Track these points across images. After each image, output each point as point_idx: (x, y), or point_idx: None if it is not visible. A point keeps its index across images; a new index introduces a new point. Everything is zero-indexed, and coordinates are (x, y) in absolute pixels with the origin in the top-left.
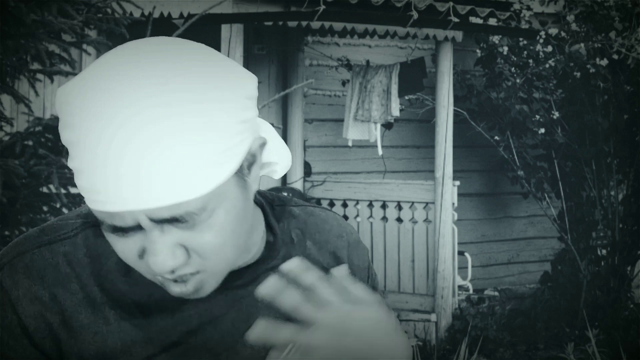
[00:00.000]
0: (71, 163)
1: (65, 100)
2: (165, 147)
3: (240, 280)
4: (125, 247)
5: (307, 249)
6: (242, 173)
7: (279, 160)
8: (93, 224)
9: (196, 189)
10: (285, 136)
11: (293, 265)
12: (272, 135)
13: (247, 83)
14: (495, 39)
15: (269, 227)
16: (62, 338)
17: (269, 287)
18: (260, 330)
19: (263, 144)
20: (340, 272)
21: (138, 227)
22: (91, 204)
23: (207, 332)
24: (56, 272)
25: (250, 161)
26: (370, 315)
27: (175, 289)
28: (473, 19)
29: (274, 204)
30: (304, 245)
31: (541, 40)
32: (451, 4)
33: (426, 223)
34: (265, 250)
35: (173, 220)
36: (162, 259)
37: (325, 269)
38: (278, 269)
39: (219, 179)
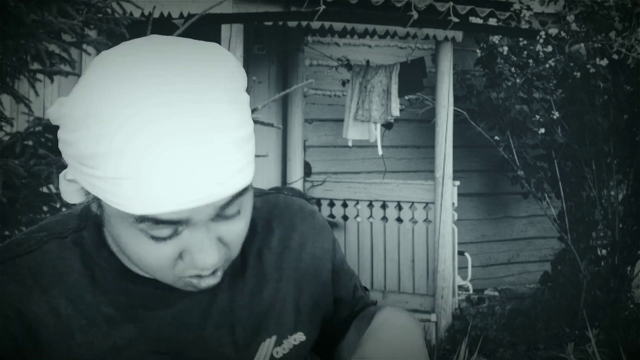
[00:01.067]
0: (99, 171)
1: (84, 110)
2: (222, 145)
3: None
4: (161, 251)
5: (272, 237)
6: None
7: None
8: (56, 236)
9: (243, 179)
10: (285, 136)
11: None
12: None
13: (246, 80)
14: (495, 39)
15: None
16: (28, 353)
17: None
18: None
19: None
20: None
21: (182, 225)
22: (139, 209)
23: (178, 338)
24: (20, 286)
25: None
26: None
27: (204, 283)
28: (473, 19)
29: None
30: (270, 234)
31: (541, 40)
32: (451, 4)
33: (426, 223)
34: None
35: (230, 205)
36: (210, 255)
37: (293, 253)
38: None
39: (253, 167)
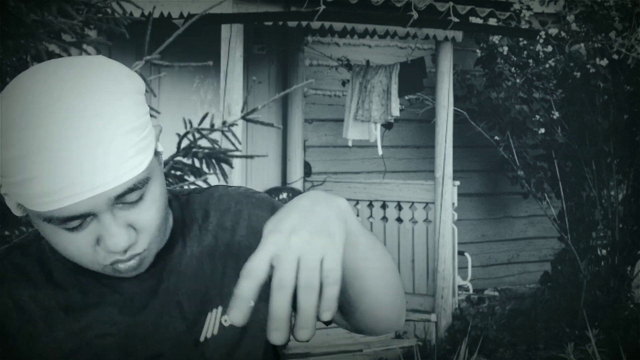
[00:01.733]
0: (10, 179)
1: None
2: (108, 138)
3: (154, 267)
4: (78, 241)
5: (209, 222)
6: (156, 153)
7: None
8: (19, 246)
9: (139, 165)
10: (285, 136)
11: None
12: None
13: (137, 81)
14: (495, 39)
15: (174, 217)
16: None
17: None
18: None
19: (160, 132)
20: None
21: (89, 216)
22: (45, 206)
23: (128, 319)
24: None
25: (157, 145)
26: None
27: (125, 267)
28: (473, 19)
29: (180, 196)
30: (208, 221)
31: (541, 40)
32: (451, 4)
33: (426, 223)
34: (171, 237)
35: (127, 193)
36: (118, 239)
37: (228, 230)
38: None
39: (149, 156)
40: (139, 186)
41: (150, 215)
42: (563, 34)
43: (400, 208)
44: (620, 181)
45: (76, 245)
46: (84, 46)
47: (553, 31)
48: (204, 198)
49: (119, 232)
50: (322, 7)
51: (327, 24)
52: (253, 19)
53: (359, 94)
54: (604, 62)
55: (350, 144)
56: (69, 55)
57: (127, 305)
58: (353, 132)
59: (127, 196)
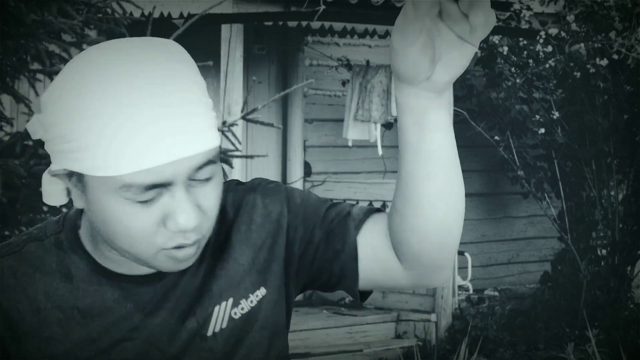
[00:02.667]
0: (87, 141)
1: (65, 100)
2: (194, 103)
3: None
4: (147, 217)
5: (226, 219)
6: None
7: None
8: (35, 238)
9: (212, 138)
10: (285, 136)
11: None
12: None
13: (195, 66)
14: (495, 39)
15: None
16: (7, 343)
17: None
18: None
19: None
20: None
21: (166, 186)
22: (130, 166)
23: (145, 324)
24: (2, 284)
25: None
26: None
27: (183, 254)
28: None
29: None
30: (225, 217)
31: (541, 40)
32: None
33: None
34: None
35: (206, 165)
36: (191, 216)
37: (243, 221)
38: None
39: (218, 135)
40: (215, 160)
41: (215, 197)
42: (563, 34)
43: None
44: (620, 181)
45: (143, 222)
46: (84, 46)
47: (553, 31)
48: (232, 195)
49: (192, 209)
50: (322, 7)
51: (327, 24)
52: (253, 19)
53: (359, 94)
54: (604, 62)
55: (350, 144)
56: (69, 55)
57: (143, 312)
58: (353, 132)
59: (204, 169)
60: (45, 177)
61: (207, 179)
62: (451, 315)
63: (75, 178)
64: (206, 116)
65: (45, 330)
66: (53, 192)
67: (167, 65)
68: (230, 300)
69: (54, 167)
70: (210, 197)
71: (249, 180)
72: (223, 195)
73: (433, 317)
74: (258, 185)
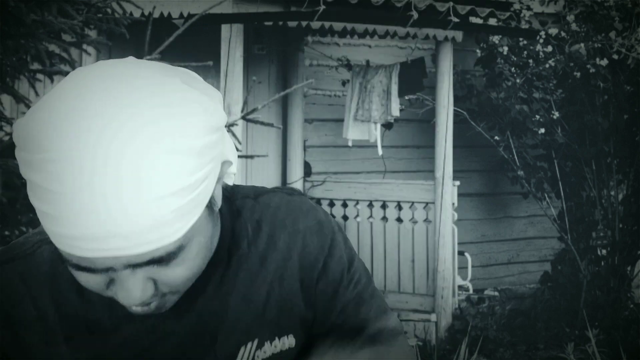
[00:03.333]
0: (39, 205)
1: (34, 140)
2: (143, 199)
3: (192, 288)
4: (91, 280)
5: (260, 239)
6: (210, 203)
7: (235, 169)
8: (49, 241)
9: (176, 232)
10: (285, 136)
11: None
12: (230, 144)
13: (209, 103)
14: (495, 39)
15: (223, 226)
16: (12, 356)
17: None
18: None
19: (229, 166)
20: None
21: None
22: (63, 247)
23: (160, 349)
24: (11, 291)
25: (217, 187)
26: None
27: (138, 310)
28: (473, 19)
29: (232, 199)
30: (259, 236)
31: (541, 40)
32: (451, 4)
33: (426, 223)
34: (216, 253)
35: (150, 264)
36: (132, 294)
37: (280, 254)
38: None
39: (194, 218)
40: (164, 258)
41: (177, 273)
42: (563, 34)
43: (400, 208)
44: (620, 181)
45: (92, 283)
46: (84, 46)
47: (553, 31)
48: (258, 207)
49: (135, 287)
50: (322, 7)
51: (327, 24)
52: (253, 19)
53: (359, 94)
54: (604, 62)
55: (350, 144)
56: (69, 55)
57: (158, 332)
58: (353, 132)
59: (155, 259)
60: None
61: (165, 262)
62: (451, 315)
63: None
64: (166, 209)
65: (53, 345)
66: None
67: (130, 142)
68: (256, 342)
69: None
70: (171, 275)
71: (292, 192)
72: (260, 209)
73: (433, 317)
74: (305, 214)
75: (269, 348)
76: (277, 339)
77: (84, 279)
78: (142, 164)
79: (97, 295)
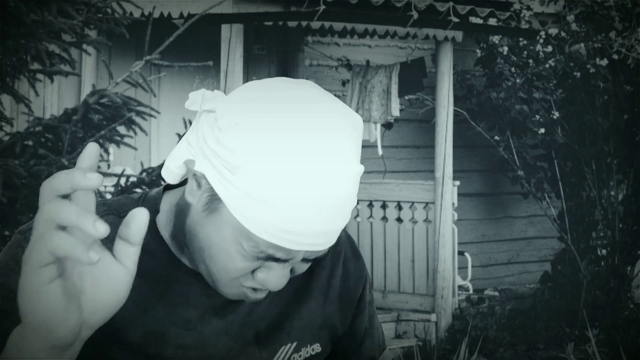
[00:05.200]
0: (256, 194)
1: (269, 136)
2: (343, 206)
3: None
4: (245, 263)
5: (324, 261)
6: None
7: None
8: (115, 212)
9: (339, 233)
10: None
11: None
12: None
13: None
14: (495, 39)
15: None
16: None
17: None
18: None
19: None
20: None
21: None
22: (270, 237)
23: (205, 330)
24: None
25: None
26: None
27: (255, 296)
28: (473, 19)
29: None
30: (323, 259)
31: (541, 40)
32: (451, 4)
33: (426, 223)
34: None
35: (313, 258)
36: (280, 281)
37: (336, 280)
38: None
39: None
40: (322, 256)
41: (304, 269)
42: (563, 34)
43: (400, 208)
44: (620, 181)
45: (242, 264)
46: (84, 46)
47: (553, 31)
48: None
49: (284, 277)
50: (322, 7)
51: (327, 24)
52: (253, 19)
53: (359, 94)
54: (604, 62)
55: None
56: (69, 55)
57: (208, 316)
58: None
59: (312, 258)
60: (175, 159)
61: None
62: (451, 315)
63: (209, 189)
64: (347, 215)
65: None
66: (174, 171)
67: (351, 153)
68: (294, 344)
69: (196, 166)
70: (303, 268)
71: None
72: None
73: (433, 317)
74: (347, 237)
75: (304, 352)
76: (309, 345)
77: (239, 261)
78: (353, 182)
79: (157, 272)
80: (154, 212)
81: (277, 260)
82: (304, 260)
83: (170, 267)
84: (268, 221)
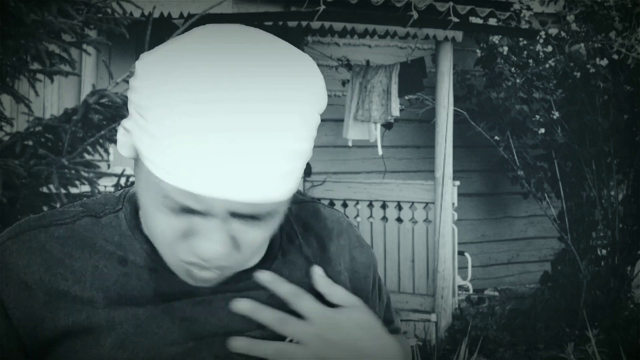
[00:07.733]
0: (155, 128)
1: (159, 69)
2: (272, 146)
3: (243, 282)
4: (170, 225)
5: (311, 238)
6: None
7: None
8: (91, 214)
9: (284, 192)
10: None
11: (266, 278)
12: None
13: (318, 82)
14: (495, 39)
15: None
16: (46, 320)
17: (244, 306)
18: (244, 346)
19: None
20: (319, 273)
21: (199, 212)
22: (172, 180)
23: (199, 326)
24: (48, 255)
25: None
26: (354, 319)
27: (201, 274)
28: (473, 19)
29: None
30: (309, 236)
31: (541, 40)
32: (451, 4)
33: (426, 223)
34: (268, 251)
35: (246, 217)
36: (214, 246)
37: (332, 261)
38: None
39: (297, 185)
40: (262, 216)
41: (258, 235)
42: (563, 34)
43: (400, 208)
44: (620, 181)
45: (169, 228)
46: (84, 46)
47: (553, 31)
48: (303, 211)
49: (221, 241)
50: (322, 7)
51: (327, 24)
52: (253, 19)
53: (359, 94)
54: (604, 62)
55: (350, 144)
56: (69, 55)
57: (198, 312)
58: (353, 132)
59: (247, 217)
60: (120, 128)
61: (255, 219)
62: (451, 315)
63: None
64: (290, 165)
65: (90, 310)
66: (123, 143)
67: (286, 87)
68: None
69: (127, 125)
70: (252, 236)
71: (324, 205)
72: (305, 214)
73: (433, 317)
74: (349, 227)
75: None
76: None
77: (164, 223)
78: (280, 121)
79: (140, 269)
80: (135, 208)
81: (194, 212)
82: (237, 217)
83: (151, 261)
84: (170, 160)
